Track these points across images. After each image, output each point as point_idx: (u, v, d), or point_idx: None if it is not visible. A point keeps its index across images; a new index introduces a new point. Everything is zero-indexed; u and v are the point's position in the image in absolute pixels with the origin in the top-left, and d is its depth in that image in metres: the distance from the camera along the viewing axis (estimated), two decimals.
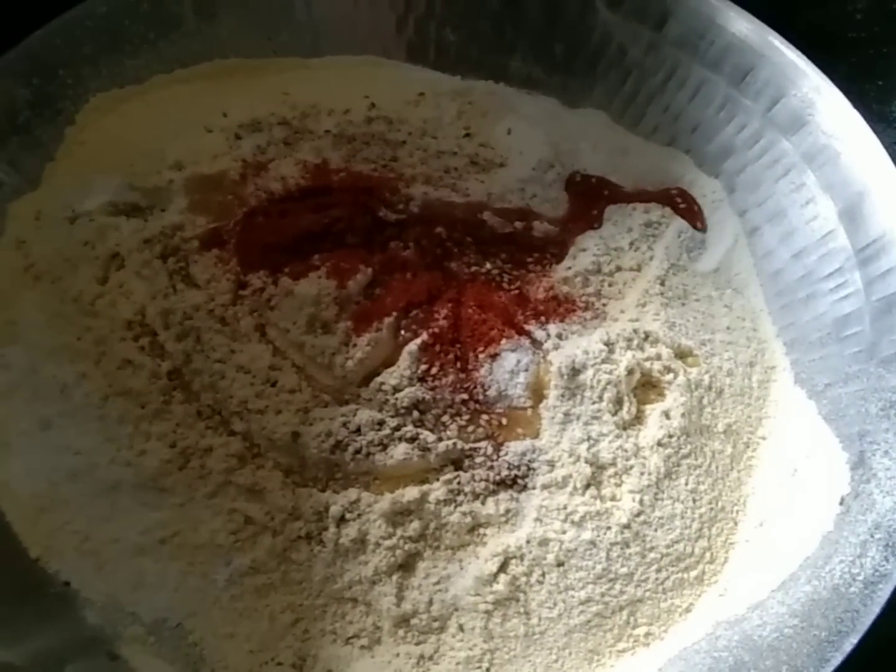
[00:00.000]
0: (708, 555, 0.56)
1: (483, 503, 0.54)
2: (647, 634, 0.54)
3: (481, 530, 0.54)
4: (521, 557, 0.53)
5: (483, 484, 0.54)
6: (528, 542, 0.53)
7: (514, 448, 0.55)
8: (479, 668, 0.52)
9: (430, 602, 0.53)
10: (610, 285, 0.63)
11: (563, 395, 0.56)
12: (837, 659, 0.47)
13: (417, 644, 0.53)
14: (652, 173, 0.70)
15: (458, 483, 0.54)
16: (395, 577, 0.53)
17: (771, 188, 0.66)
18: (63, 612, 0.54)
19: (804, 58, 0.65)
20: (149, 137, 0.67)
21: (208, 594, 0.54)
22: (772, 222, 0.66)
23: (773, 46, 0.66)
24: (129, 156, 0.66)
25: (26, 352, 0.60)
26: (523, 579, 0.53)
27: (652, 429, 0.56)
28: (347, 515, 0.53)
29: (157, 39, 0.71)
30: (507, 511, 0.54)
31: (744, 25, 0.67)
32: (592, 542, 0.53)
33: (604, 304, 0.62)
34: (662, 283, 0.63)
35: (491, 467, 0.55)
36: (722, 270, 0.66)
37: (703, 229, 0.67)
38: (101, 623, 0.54)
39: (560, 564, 0.53)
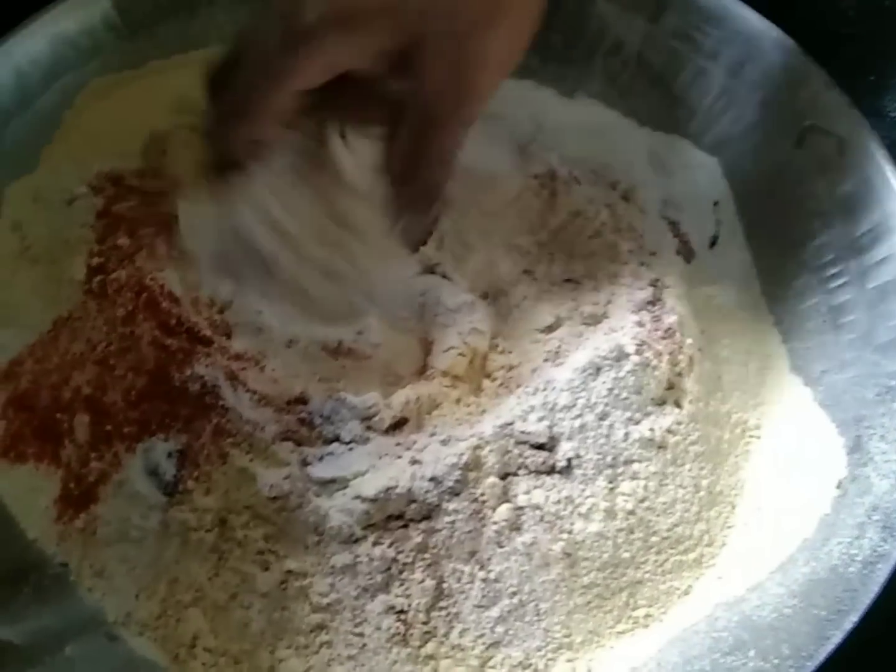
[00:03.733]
0: (706, 538, 0.56)
1: None
2: (647, 616, 0.54)
3: None
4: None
5: None
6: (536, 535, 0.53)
7: None
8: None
9: None
10: None
11: (576, 389, 0.55)
12: (838, 637, 0.47)
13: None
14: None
15: None
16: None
17: (768, 179, 0.67)
18: (61, 593, 0.54)
19: (800, 48, 0.66)
20: (145, 121, 0.67)
21: None
22: (768, 213, 0.67)
23: (770, 37, 0.67)
24: (126, 138, 0.66)
25: (21, 334, 0.60)
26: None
27: (662, 417, 0.56)
28: None
29: (155, 25, 0.71)
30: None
31: (740, 16, 0.68)
32: (600, 534, 0.53)
33: None
34: None
35: None
36: (719, 259, 0.67)
37: None
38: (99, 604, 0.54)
39: (567, 555, 0.53)
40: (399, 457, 0.54)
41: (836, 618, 0.48)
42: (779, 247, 0.66)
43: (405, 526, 0.52)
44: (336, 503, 0.52)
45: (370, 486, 0.52)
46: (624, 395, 0.55)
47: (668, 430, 0.55)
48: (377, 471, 0.53)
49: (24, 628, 0.51)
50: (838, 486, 0.55)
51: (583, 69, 0.73)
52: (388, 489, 0.52)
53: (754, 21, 0.67)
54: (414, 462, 0.53)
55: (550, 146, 0.68)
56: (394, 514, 0.52)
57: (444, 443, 0.54)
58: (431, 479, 0.52)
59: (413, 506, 0.52)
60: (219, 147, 0.55)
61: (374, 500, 0.52)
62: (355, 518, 0.52)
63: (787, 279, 0.65)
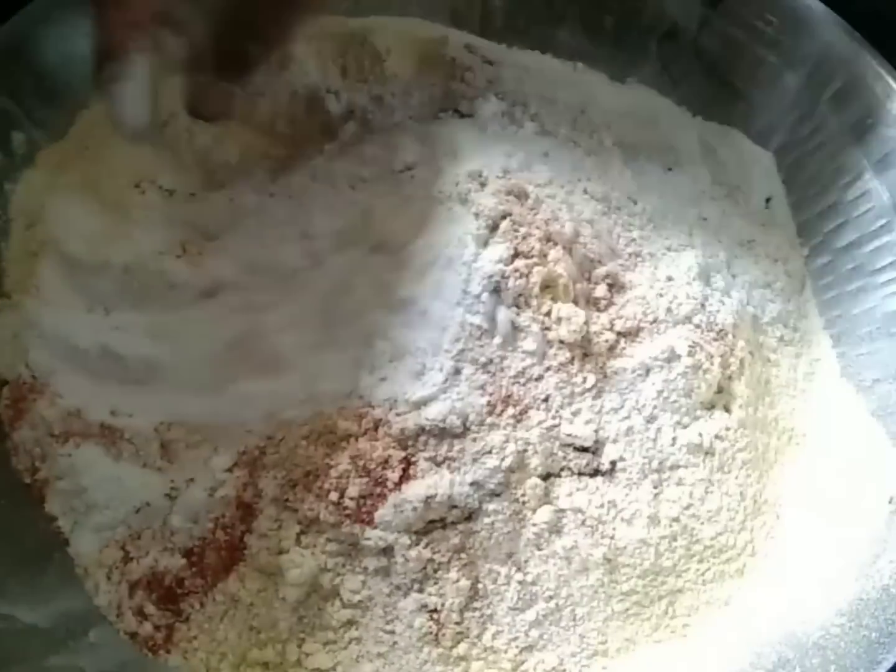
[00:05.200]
0: (750, 547, 0.54)
1: None
2: (685, 626, 0.52)
3: None
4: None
5: None
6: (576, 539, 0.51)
7: None
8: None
9: None
10: None
11: (624, 390, 0.53)
12: (890, 661, 0.46)
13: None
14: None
15: None
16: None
17: (823, 177, 0.65)
18: None
19: (867, 44, 0.63)
20: None
21: None
22: (823, 212, 0.65)
23: (835, 29, 0.64)
24: None
25: None
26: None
27: (711, 422, 0.54)
28: None
29: None
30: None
31: (805, 5, 0.65)
32: (643, 541, 0.51)
33: None
34: None
35: None
36: None
37: None
38: None
39: (608, 561, 0.51)
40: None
41: (888, 641, 0.47)
42: (833, 248, 0.64)
43: (443, 527, 0.51)
44: None
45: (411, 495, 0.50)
46: (673, 398, 0.53)
47: (717, 436, 0.54)
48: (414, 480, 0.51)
49: (49, 612, 0.50)
50: (891, 502, 0.53)
51: (636, 54, 0.70)
52: (427, 499, 0.50)
53: (820, 11, 0.65)
54: (453, 469, 0.50)
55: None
56: (434, 520, 0.51)
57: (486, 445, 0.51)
58: (472, 484, 0.50)
59: (454, 511, 0.50)
60: (102, 34, 0.51)
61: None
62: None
63: (841, 282, 0.63)
